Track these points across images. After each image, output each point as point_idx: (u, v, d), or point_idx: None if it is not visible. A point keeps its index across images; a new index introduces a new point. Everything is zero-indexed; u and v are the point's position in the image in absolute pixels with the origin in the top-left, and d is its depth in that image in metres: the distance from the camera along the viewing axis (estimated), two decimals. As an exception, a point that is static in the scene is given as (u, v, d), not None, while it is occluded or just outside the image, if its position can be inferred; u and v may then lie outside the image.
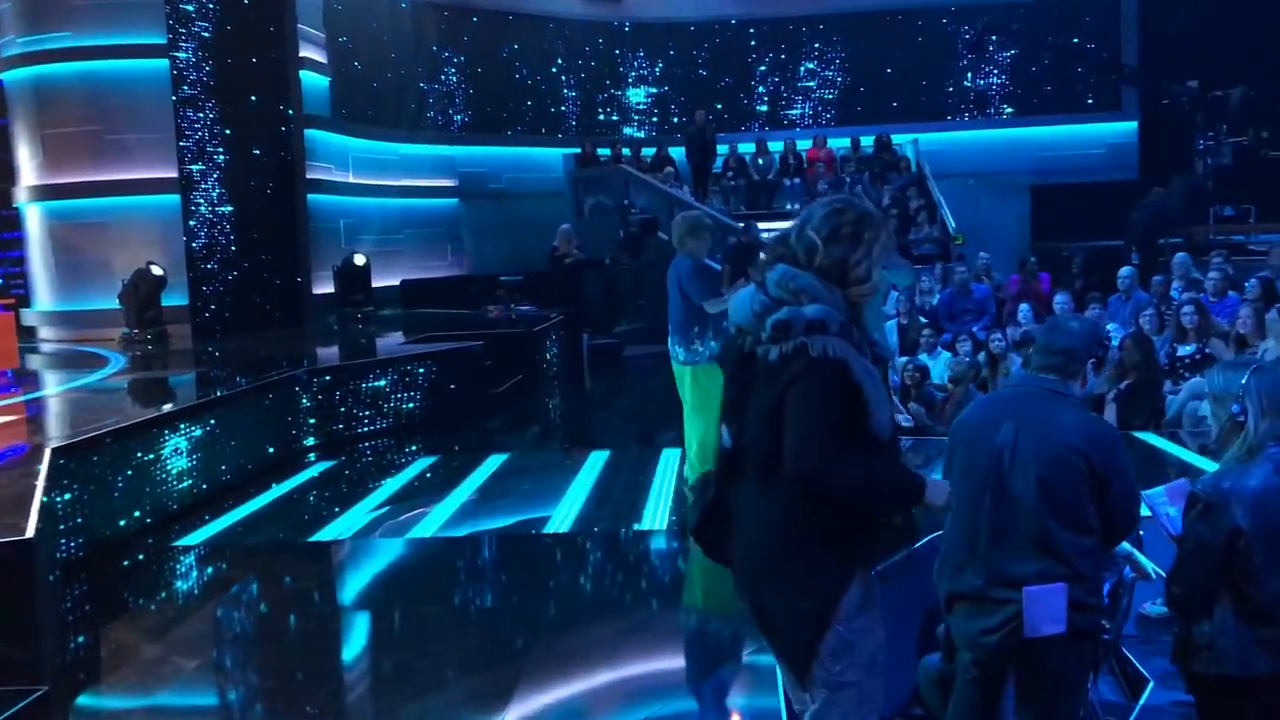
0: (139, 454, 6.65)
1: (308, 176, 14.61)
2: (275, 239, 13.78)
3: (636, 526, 6.52)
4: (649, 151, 19.03)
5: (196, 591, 5.87)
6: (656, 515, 6.71)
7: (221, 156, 13.38)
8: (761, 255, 2.82)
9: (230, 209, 13.39)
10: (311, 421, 9.11)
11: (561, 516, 6.74)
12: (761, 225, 16.53)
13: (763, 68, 20.73)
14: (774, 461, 2.61)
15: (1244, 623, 3.00)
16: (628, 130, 20.49)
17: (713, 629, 5.12)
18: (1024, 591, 3.03)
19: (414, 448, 9.13)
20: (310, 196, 14.67)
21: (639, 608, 5.47)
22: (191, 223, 13.20)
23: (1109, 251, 14.25)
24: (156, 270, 12.90)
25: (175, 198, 13.15)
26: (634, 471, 7.99)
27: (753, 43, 20.58)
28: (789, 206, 18.33)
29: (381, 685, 4.44)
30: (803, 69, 20.64)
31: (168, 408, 7.41)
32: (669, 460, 8.05)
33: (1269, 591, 2.97)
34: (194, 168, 13.26)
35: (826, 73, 20.69)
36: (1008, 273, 13.73)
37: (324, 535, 6.47)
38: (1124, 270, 11.16)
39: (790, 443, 2.56)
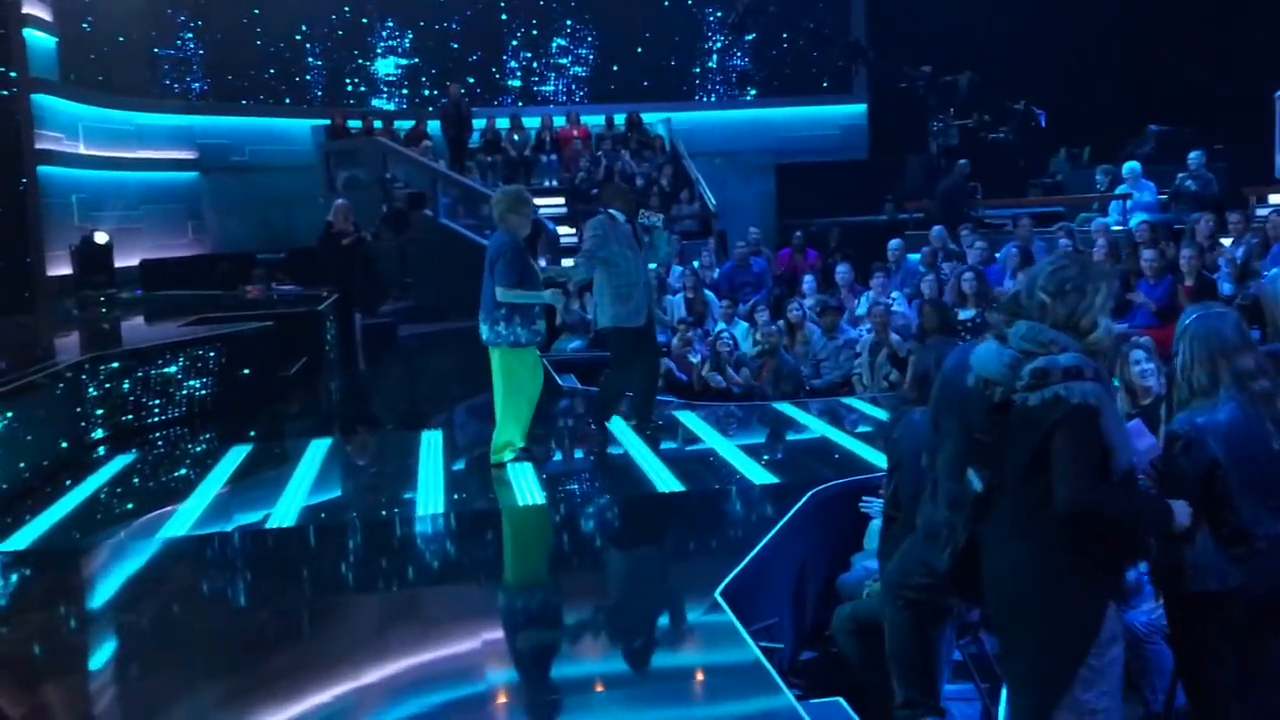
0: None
1: (35, 147, 13.26)
2: (1, 216, 12.44)
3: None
4: (403, 125, 18.50)
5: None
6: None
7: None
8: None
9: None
10: (99, 412, 8.30)
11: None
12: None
13: (515, 42, 20.61)
14: (1036, 502, 2.84)
15: (1221, 544, 3.35)
16: (377, 102, 19.82)
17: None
18: None
19: (209, 436, 8.52)
20: (39, 169, 13.32)
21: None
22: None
23: (863, 227, 15.24)
24: None
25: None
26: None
27: (504, 16, 20.40)
28: (547, 183, 18.35)
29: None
30: (554, 45, 20.67)
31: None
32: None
33: (1242, 515, 3.32)
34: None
35: (579, 50, 20.82)
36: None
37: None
38: (893, 242, 11.99)
39: (1064, 482, 2.80)
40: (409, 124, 18.53)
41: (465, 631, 4.45)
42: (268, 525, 6.04)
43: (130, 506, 6.81)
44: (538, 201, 16.44)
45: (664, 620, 4.76)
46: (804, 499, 5.89)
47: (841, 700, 4.01)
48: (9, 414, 6.86)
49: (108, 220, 14.81)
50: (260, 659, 4.35)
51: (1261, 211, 11.07)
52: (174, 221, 17.09)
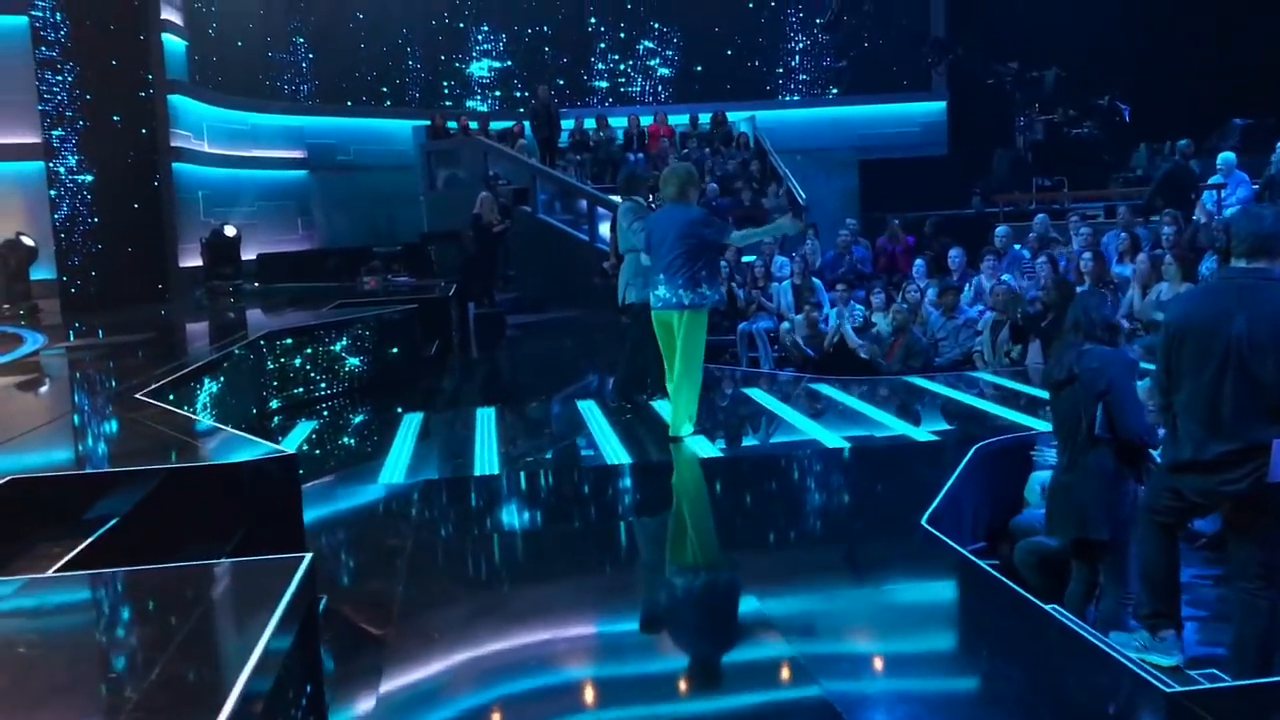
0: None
1: (170, 145, 14.01)
2: (140, 210, 13.17)
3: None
4: (497, 125, 19.17)
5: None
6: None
7: (82, 123, 12.64)
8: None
9: (90, 178, 12.69)
10: (275, 384, 8.95)
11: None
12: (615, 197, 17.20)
13: (602, 45, 21.22)
14: None
15: None
16: (471, 104, 20.51)
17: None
18: (1274, 443, 3.72)
19: (370, 407, 9.15)
20: (173, 165, 14.07)
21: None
22: (53, 192, 12.45)
23: (952, 218, 15.67)
24: (28, 241, 12.10)
25: (40, 165, 12.36)
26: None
27: (593, 20, 21.03)
28: (634, 179, 18.89)
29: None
30: (641, 47, 21.28)
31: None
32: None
33: None
34: (54, 133, 12.50)
35: (665, 51, 21.41)
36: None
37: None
38: (1000, 229, 12.44)
39: None
40: (503, 124, 19.23)
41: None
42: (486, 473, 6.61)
43: (338, 460, 7.40)
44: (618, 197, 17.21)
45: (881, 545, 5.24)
46: (970, 452, 6.38)
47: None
48: (218, 381, 7.51)
49: (230, 216, 15.56)
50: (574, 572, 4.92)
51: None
52: (285, 217, 17.84)
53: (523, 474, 6.66)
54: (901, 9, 20.27)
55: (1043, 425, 6.65)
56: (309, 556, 2.78)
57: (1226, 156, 13.36)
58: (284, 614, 2.43)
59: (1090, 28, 17.13)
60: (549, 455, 7.30)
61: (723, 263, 10.30)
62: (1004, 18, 18.64)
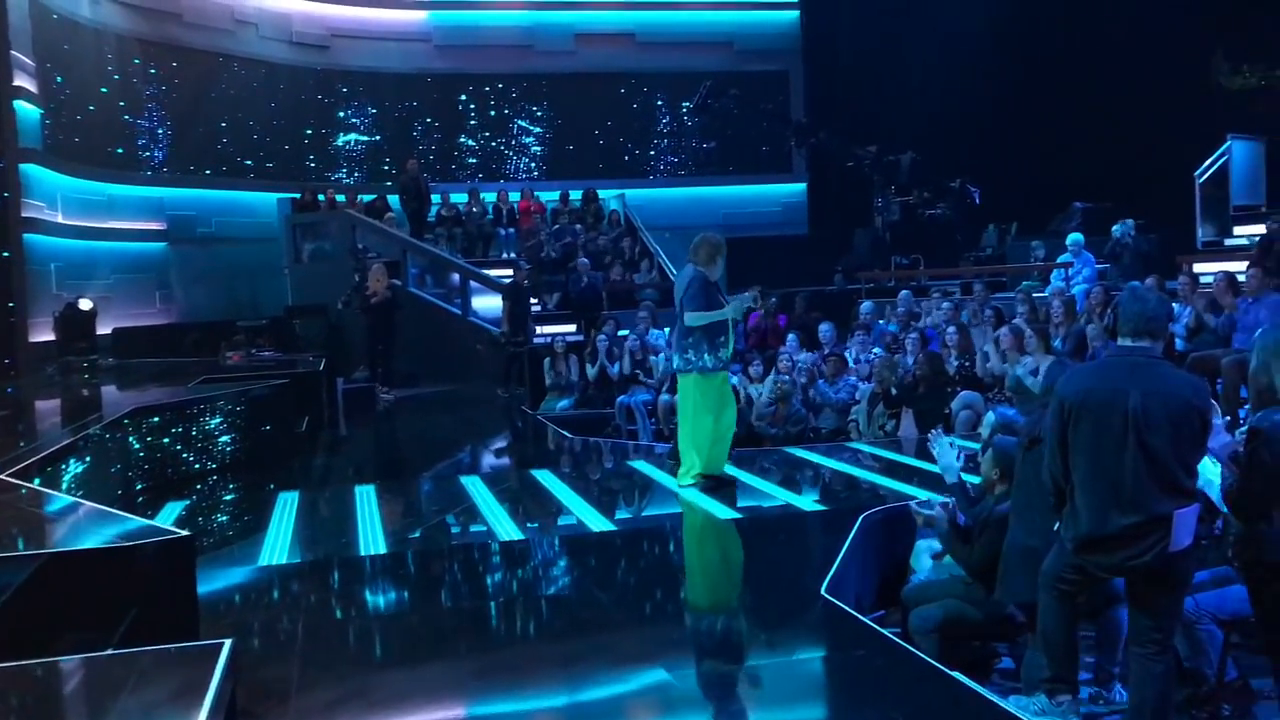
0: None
1: (22, 215, 13.45)
2: (-11, 283, 12.57)
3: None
4: (365, 198, 19.00)
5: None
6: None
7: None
8: None
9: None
10: (143, 465, 8.54)
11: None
12: (488, 271, 17.22)
13: (473, 121, 21.32)
14: None
15: None
16: (338, 176, 20.28)
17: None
18: (1175, 515, 3.90)
19: (243, 486, 8.82)
20: (24, 236, 13.50)
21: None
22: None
23: (822, 294, 16.15)
24: None
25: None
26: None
27: (463, 96, 21.14)
28: (505, 255, 18.96)
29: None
30: (515, 125, 21.47)
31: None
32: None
33: None
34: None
35: (535, 129, 21.64)
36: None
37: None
38: (865, 304, 12.87)
39: None
40: (370, 197, 19.06)
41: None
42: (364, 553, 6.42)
43: (213, 542, 7.09)
44: (497, 273, 17.24)
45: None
46: (858, 521, 6.51)
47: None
48: (83, 461, 7.14)
49: (84, 289, 14.93)
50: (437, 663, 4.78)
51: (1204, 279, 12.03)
52: (144, 290, 17.21)
53: (410, 553, 6.50)
54: (766, 94, 21.02)
55: (923, 493, 6.83)
56: (229, 643, 2.66)
57: (1075, 237, 14.14)
58: (213, 705, 2.31)
59: (943, 115, 18.01)
60: (435, 532, 7.14)
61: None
62: (862, 104, 19.50)
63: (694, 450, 7.52)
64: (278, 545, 6.63)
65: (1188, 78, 18.22)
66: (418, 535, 7.01)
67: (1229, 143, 14.55)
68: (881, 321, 12.72)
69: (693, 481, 7.52)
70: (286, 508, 7.72)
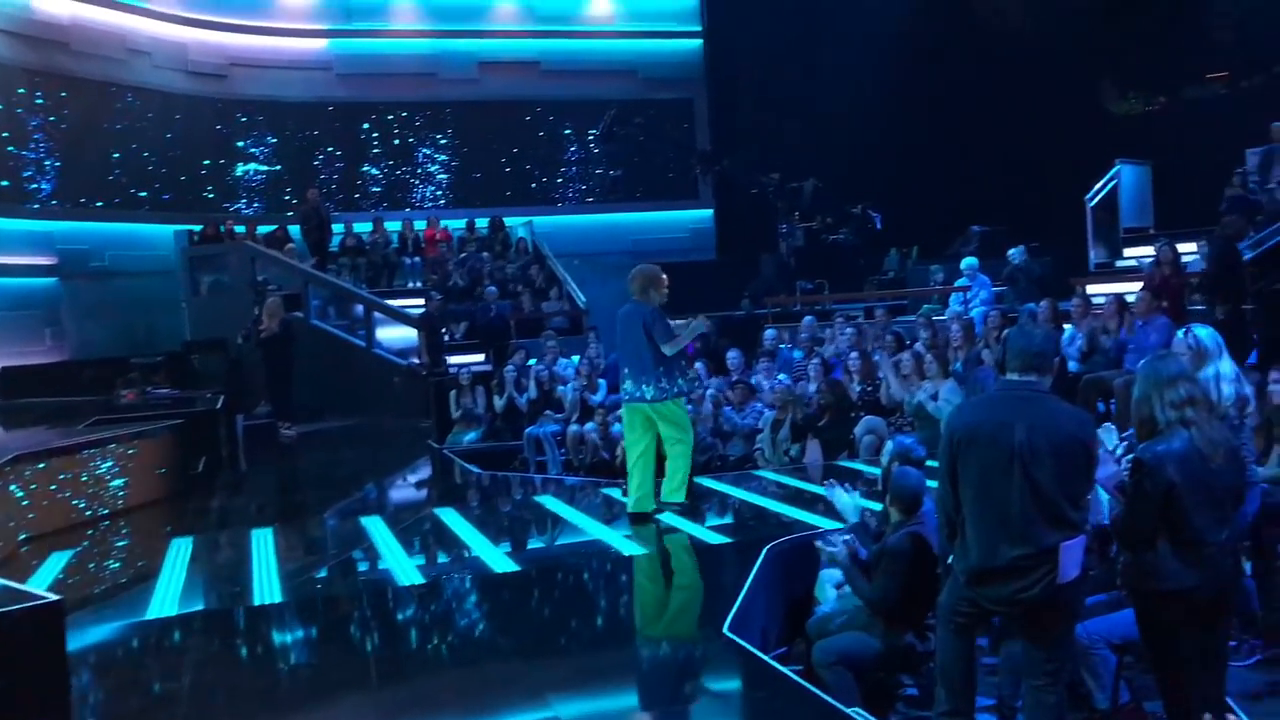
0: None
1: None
2: None
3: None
4: (265, 229, 18.63)
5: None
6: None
7: None
8: None
9: None
10: (26, 512, 8.19)
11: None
12: (391, 301, 17.00)
13: (376, 150, 21.08)
14: None
15: (1178, 550, 4.14)
16: (237, 207, 19.88)
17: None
18: (1061, 547, 3.95)
19: (137, 530, 8.53)
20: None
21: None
22: None
23: (730, 320, 16.23)
24: None
25: None
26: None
27: (365, 125, 20.89)
28: (410, 284, 18.75)
29: None
30: (420, 154, 21.28)
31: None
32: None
33: (1194, 526, 4.13)
34: None
35: (441, 157, 21.47)
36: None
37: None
38: (768, 331, 12.96)
39: None
40: (270, 228, 18.70)
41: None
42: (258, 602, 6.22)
43: (100, 594, 6.83)
44: (402, 303, 17.03)
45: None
46: (763, 553, 6.50)
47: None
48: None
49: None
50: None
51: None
52: (32, 328, 16.57)
53: (304, 601, 6.32)
54: (672, 122, 21.16)
55: (826, 523, 6.87)
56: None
57: (970, 261, 14.43)
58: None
59: (844, 142, 18.28)
60: (333, 577, 6.96)
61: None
62: (766, 132, 19.75)
63: (685, 469, 7.74)
64: (168, 596, 6.42)
65: (1079, 104, 18.81)
66: (314, 581, 6.81)
67: (1118, 167, 14.95)
68: (785, 347, 12.81)
69: (680, 502, 7.71)
70: (179, 555, 7.48)
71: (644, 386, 7.50)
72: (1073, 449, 4.01)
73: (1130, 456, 4.27)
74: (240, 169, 20.13)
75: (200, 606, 6.27)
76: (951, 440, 4.18)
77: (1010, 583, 4.03)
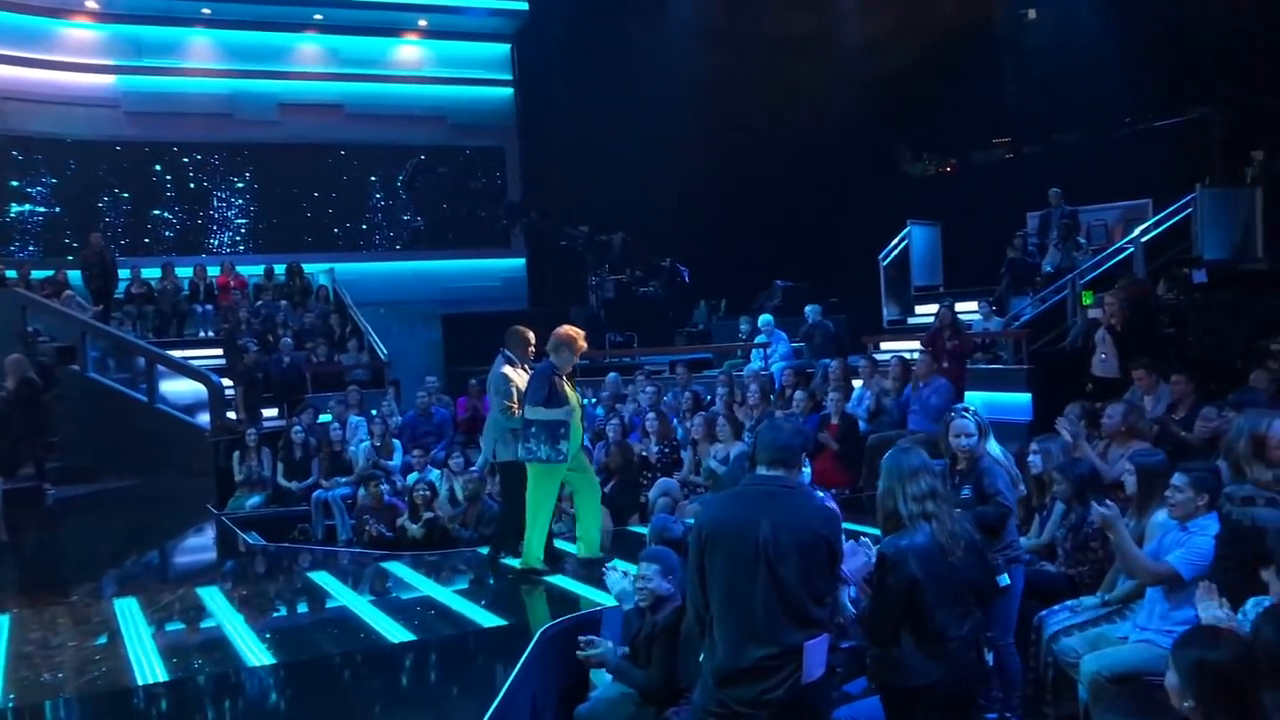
0: None
1: None
2: None
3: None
4: (41, 274, 17.40)
5: None
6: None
7: None
8: None
9: None
10: None
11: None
12: (175, 353, 16.04)
13: (169, 192, 20.07)
14: None
15: (921, 645, 4.11)
16: (9, 250, 18.55)
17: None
18: (805, 647, 3.84)
19: None
20: None
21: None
22: None
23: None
24: None
25: None
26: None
27: (157, 166, 19.88)
28: (201, 333, 17.86)
29: None
30: (215, 198, 20.36)
31: None
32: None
33: (936, 622, 4.10)
34: None
35: (238, 201, 20.60)
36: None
37: None
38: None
39: None
40: (47, 273, 17.50)
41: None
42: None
43: None
44: (191, 354, 16.15)
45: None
46: (535, 636, 6.25)
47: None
48: None
49: None
50: None
51: (881, 356, 12.70)
52: None
53: (26, 707, 5.71)
54: (483, 169, 20.91)
55: (609, 600, 6.66)
56: None
57: (766, 319, 14.66)
58: None
59: (653, 196, 18.37)
60: (66, 675, 6.31)
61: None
62: (575, 183, 19.71)
63: (539, 534, 7.80)
64: None
65: (875, 165, 19.50)
66: (42, 681, 6.18)
67: (909, 227, 15.48)
68: (589, 403, 12.64)
69: (539, 566, 7.77)
70: None
71: (518, 444, 7.67)
72: (816, 545, 3.92)
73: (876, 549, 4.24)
74: (15, 209, 18.82)
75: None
76: (699, 536, 4.05)
77: (756, 684, 3.90)
